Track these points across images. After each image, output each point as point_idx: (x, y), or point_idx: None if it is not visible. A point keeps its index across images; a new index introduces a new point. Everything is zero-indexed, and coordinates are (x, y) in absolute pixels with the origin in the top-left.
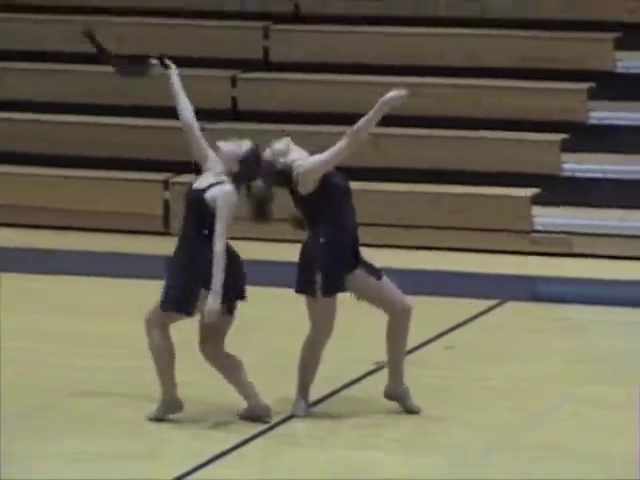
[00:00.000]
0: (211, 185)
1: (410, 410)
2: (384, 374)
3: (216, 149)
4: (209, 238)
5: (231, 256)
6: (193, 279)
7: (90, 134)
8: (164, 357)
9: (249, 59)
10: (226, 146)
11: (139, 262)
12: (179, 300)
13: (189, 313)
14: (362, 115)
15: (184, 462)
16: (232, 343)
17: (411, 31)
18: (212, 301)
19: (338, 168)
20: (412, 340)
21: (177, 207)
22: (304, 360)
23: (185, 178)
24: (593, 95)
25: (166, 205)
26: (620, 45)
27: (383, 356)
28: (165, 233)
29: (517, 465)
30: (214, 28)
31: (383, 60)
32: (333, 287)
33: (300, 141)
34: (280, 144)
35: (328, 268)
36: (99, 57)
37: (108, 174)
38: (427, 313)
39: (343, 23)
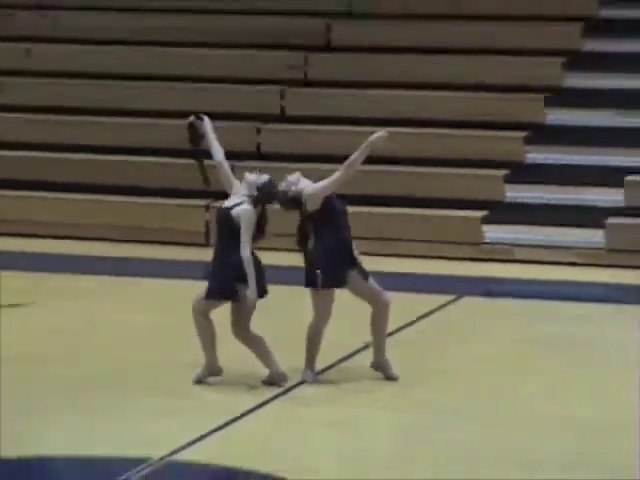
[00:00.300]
0: (235, 205)
1: (390, 377)
2: (370, 351)
3: (243, 178)
4: (236, 244)
5: (255, 260)
6: (227, 276)
7: (153, 170)
8: (206, 334)
9: (270, 114)
10: (250, 176)
11: (186, 267)
12: (218, 291)
13: (227, 298)
14: None
15: (219, 417)
16: (256, 326)
17: (391, 94)
18: (250, 293)
19: (337, 194)
20: (391, 325)
21: (214, 225)
22: (309, 339)
23: (220, 203)
24: (528, 141)
25: (207, 224)
26: (549, 103)
27: (369, 337)
28: (205, 245)
29: (471, 420)
30: (246, 92)
31: (373, 115)
32: (331, 282)
33: (309, 176)
34: (292, 177)
35: (327, 268)
36: (193, 150)
37: (164, 201)
38: (402, 305)
39: (343, 87)
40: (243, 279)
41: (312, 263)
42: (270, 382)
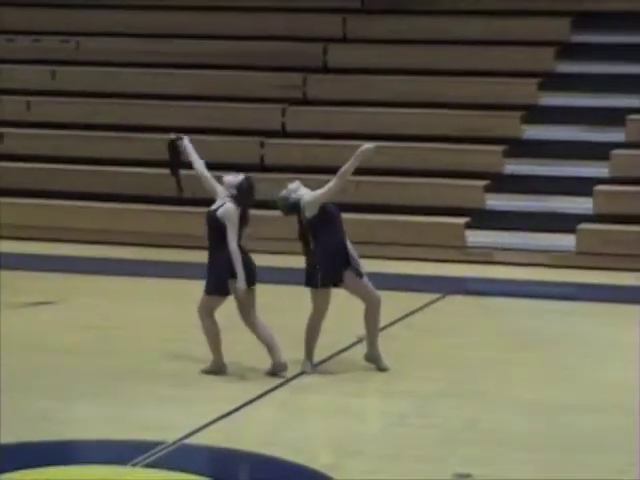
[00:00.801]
0: (219, 206)
1: (381, 369)
2: (363, 344)
3: (222, 182)
4: (225, 242)
5: (243, 254)
6: (220, 272)
7: (171, 181)
8: (211, 333)
9: (272, 130)
10: (228, 177)
11: (193, 268)
12: (215, 286)
13: (224, 294)
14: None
15: (227, 405)
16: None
17: (382, 111)
18: (239, 283)
19: (332, 202)
20: (382, 320)
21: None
22: (308, 333)
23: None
24: (507, 154)
25: None
26: (526, 120)
27: (362, 332)
28: None
29: (462, 406)
30: (250, 109)
31: (366, 130)
32: (328, 281)
33: (308, 185)
34: (292, 185)
35: (325, 268)
36: (171, 167)
37: (177, 209)
38: (393, 302)
39: (338, 105)
40: (234, 274)
41: (311, 264)
42: (272, 372)
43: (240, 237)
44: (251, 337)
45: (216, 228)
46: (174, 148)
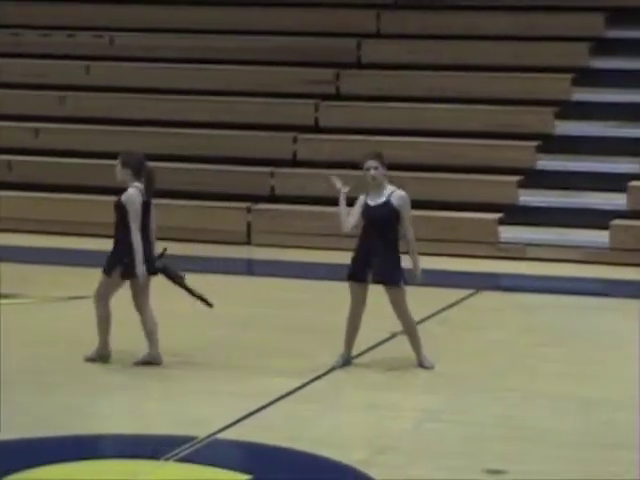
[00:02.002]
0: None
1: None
2: (396, 340)
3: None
4: (127, 228)
5: (145, 242)
6: (117, 254)
7: (201, 176)
8: (104, 318)
9: (305, 125)
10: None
11: (230, 263)
12: (114, 268)
13: (123, 277)
14: None
15: (258, 400)
16: (300, 318)
17: (415, 106)
18: (137, 270)
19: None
20: (417, 316)
21: (256, 225)
22: (348, 327)
23: (261, 206)
24: (540, 150)
25: (248, 224)
26: (559, 115)
27: (396, 328)
28: (247, 243)
29: (495, 401)
30: (284, 104)
31: (398, 126)
32: (350, 277)
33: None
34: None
35: (350, 265)
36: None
37: (212, 203)
38: (427, 298)
39: (371, 101)
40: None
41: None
42: (143, 362)
43: (145, 225)
44: (278, 336)
45: (121, 213)
46: (169, 273)
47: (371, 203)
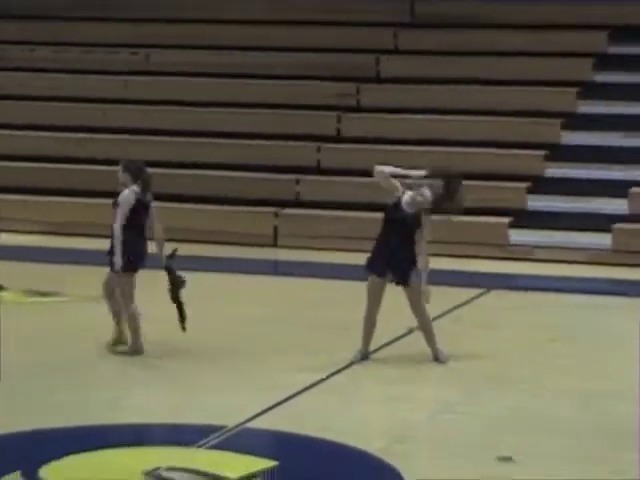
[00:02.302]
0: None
1: (437, 359)
2: (413, 335)
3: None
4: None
5: (134, 240)
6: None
7: (234, 184)
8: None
9: (328, 135)
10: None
11: (259, 264)
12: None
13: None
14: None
15: (283, 392)
16: (322, 316)
17: (431, 118)
18: (115, 265)
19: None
20: (431, 314)
21: (283, 228)
22: (366, 323)
23: (287, 211)
24: (547, 159)
25: (275, 227)
26: (565, 126)
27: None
28: (274, 245)
29: (507, 394)
30: (308, 116)
31: (416, 136)
32: (368, 272)
33: (362, 187)
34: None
35: (370, 258)
36: (174, 282)
37: (242, 208)
38: (441, 297)
39: (389, 113)
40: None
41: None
42: (129, 352)
43: (140, 224)
44: (301, 332)
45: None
46: (170, 271)
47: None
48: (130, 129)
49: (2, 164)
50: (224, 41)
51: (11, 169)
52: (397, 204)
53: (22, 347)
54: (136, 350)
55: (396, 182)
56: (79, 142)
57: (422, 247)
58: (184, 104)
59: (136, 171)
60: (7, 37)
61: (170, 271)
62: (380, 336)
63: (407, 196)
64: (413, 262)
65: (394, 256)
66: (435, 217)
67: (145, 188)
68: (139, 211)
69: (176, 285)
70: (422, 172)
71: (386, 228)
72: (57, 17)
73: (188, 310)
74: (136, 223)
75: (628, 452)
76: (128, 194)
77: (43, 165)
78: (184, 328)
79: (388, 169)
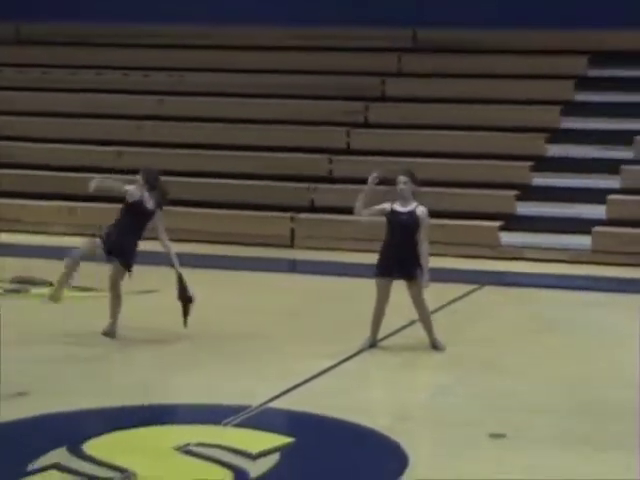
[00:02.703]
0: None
1: (435, 347)
2: (412, 326)
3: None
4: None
5: (134, 238)
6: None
7: (256, 191)
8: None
9: (339, 148)
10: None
11: (277, 263)
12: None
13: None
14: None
15: (299, 377)
16: (334, 309)
17: (431, 133)
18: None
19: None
20: (430, 307)
21: (299, 231)
22: (374, 316)
23: (302, 216)
24: (534, 169)
25: (292, 230)
26: (549, 140)
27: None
28: (291, 246)
29: (498, 378)
30: (321, 131)
31: (417, 149)
32: (377, 274)
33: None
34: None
35: (377, 264)
36: (183, 296)
37: (262, 213)
38: (439, 292)
39: (394, 128)
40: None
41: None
42: (106, 333)
43: (139, 227)
44: (314, 323)
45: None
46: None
47: (400, 209)
48: (165, 143)
49: (52, 174)
50: (247, 65)
51: (59, 179)
52: (393, 211)
53: (66, 339)
54: (113, 332)
55: (376, 207)
56: (118, 154)
57: (424, 247)
58: (212, 120)
59: (152, 180)
60: (54, 62)
61: (180, 276)
62: (385, 327)
63: (396, 204)
64: (417, 260)
65: (399, 257)
66: (434, 222)
67: (161, 196)
68: (143, 216)
69: (184, 287)
70: (373, 175)
71: (389, 232)
72: (99, 44)
73: (212, 304)
74: (138, 226)
75: (603, 432)
76: (131, 189)
77: (86, 175)
78: (186, 323)
79: (357, 204)
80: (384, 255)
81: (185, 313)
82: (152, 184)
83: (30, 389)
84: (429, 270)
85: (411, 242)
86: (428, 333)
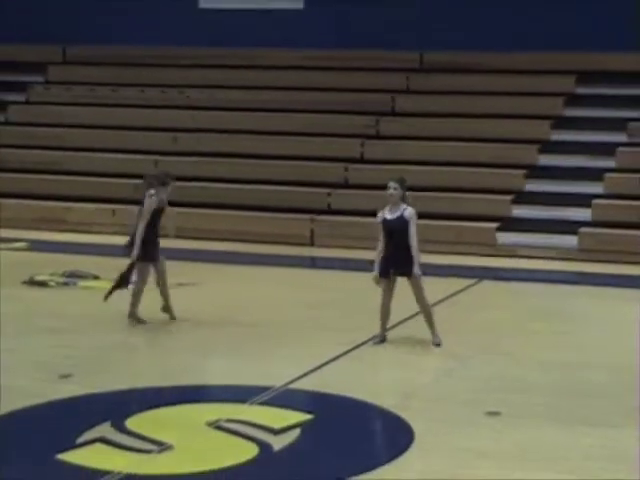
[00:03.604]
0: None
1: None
2: (414, 319)
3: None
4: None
5: (150, 236)
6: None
7: (280, 195)
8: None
9: (354, 157)
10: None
11: (298, 259)
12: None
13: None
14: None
15: (317, 361)
16: (349, 301)
17: (437, 144)
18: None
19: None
20: (432, 300)
21: (318, 231)
22: (382, 312)
23: (321, 217)
24: (527, 176)
25: (311, 230)
26: (541, 151)
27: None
28: (311, 245)
29: (495, 363)
30: (338, 142)
31: (424, 159)
32: (381, 273)
33: (382, 201)
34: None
35: (379, 266)
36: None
37: (285, 215)
38: (440, 286)
39: (403, 140)
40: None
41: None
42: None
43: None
44: (331, 314)
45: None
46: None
47: (389, 217)
48: (198, 152)
49: (96, 180)
50: (274, 83)
51: (102, 184)
52: (384, 219)
53: (113, 326)
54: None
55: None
56: (155, 163)
57: (413, 242)
58: (241, 132)
59: (159, 182)
60: (99, 80)
61: (132, 265)
62: (391, 319)
63: (386, 211)
64: (410, 258)
65: (395, 257)
66: (436, 223)
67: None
68: (158, 215)
69: (129, 273)
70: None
71: (384, 237)
72: (140, 64)
73: (242, 296)
74: (153, 224)
75: (590, 409)
76: (150, 201)
77: (127, 181)
78: (106, 297)
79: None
80: (383, 258)
81: (111, 291)
82: (163, 181)
83: (74, 371)
84: (420, 263)
85: (404, 243)
86: (429, 326)
